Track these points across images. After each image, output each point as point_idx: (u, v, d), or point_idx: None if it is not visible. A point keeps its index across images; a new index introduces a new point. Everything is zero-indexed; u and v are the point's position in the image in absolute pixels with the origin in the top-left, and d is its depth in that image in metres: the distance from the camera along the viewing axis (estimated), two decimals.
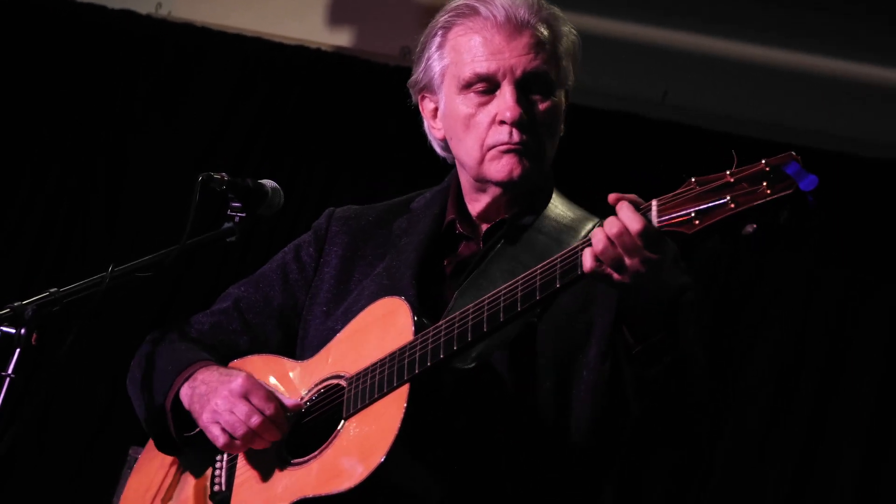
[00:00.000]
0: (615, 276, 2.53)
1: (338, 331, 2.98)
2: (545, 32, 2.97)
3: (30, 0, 6.42)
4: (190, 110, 6.40)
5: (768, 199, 2.38)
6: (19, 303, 2.85)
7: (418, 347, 2.75)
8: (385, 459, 2.67)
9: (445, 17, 3.03)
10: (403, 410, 2.71)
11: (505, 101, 2.92)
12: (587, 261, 2.54)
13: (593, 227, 2.96)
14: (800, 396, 5.85)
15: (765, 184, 2.39)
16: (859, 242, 5.91)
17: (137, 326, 5.47)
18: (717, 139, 5.88)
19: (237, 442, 2.90)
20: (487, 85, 2.95)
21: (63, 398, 6.04)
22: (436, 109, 3.07)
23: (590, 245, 2.55)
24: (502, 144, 2.93)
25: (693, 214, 2.44)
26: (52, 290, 2.90)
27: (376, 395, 2.79)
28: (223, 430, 2.90)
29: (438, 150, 3.11)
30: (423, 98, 3.09)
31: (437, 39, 3.03)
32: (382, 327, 2.87)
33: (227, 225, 3.14)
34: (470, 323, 2.71)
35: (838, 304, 5.91)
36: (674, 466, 5.75)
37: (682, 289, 2.72)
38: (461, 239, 3.05)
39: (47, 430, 6.09)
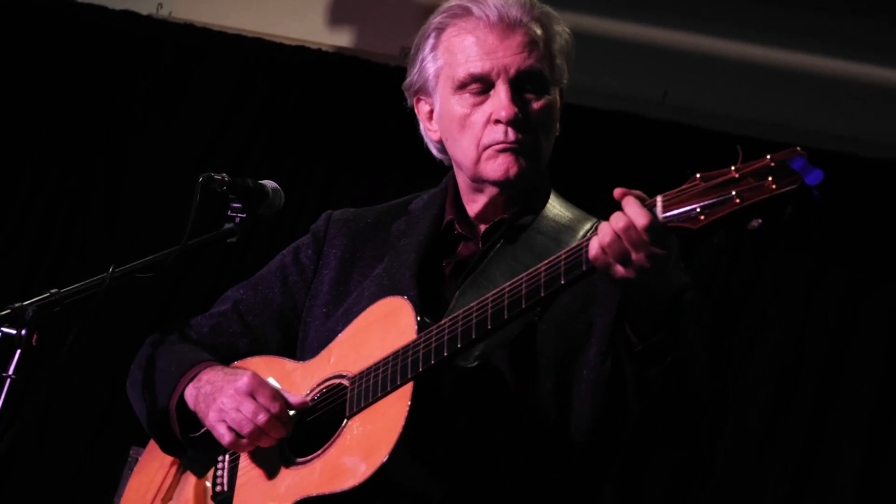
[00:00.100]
0: (620, 270, 2.53)
1: (339, 331, 2.98)
2: (538, 31, 2.97)
3: (30, 0, 6.42)
4: (190, 110, 6.40)
5: (774, 193, 2.38)
6: (20, 303, 2.86)
7: (422, 346, 2.76)
8: (388, 458, 2.67)
9: (438, 18, 3.03)
10: (407, 409, 2.71)
11: (500, 100, 2.93)
12: (593, 249, 2.54)
13: (592, 227, 2.97)
14: (800, 396, 5.86)
15: (770, 179, 2.38)
16: (859, 242, 5.91)
17: (138, 327, 5.48)
18: (718, 139, 5.88)
19: (243, 440, 2.90)
20: (482, 85, 2.95)
21: (63, 398, 6.04)
22: (431, 111, 3.07)
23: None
24: (498, 143, 2.94)
25: (698, 210, 2.44)
26: (52, 290, 2.91)
27: (379, 394, 2.79)
28: (229, 428, 2.90)
29: (435, 152, 3.11)
30: (419, 100, 3.09)
31: (431, 41, 3.03)
32: (384, 327, 2.87)
33: (227, 225, 3.14)
34: (474, 320, 2.71)
35: (838, 304, 5.91)
36: (674, 466, 5.75)
37: (683, 288, 2.72)
38: (460, 239, 3.06)
39: (47, 430, 6.09)
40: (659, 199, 2.50)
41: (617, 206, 2.54)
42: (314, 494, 2.78)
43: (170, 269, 3.06)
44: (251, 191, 3.14)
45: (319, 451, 2.84)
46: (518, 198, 3.01)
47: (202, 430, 3.01)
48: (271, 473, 2.92)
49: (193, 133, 6.38)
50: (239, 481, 2.99)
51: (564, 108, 3.06)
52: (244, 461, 3.00)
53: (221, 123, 6.40)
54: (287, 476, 2.88)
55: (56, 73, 6.39)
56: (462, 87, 2.97)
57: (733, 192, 2.41)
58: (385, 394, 2.78)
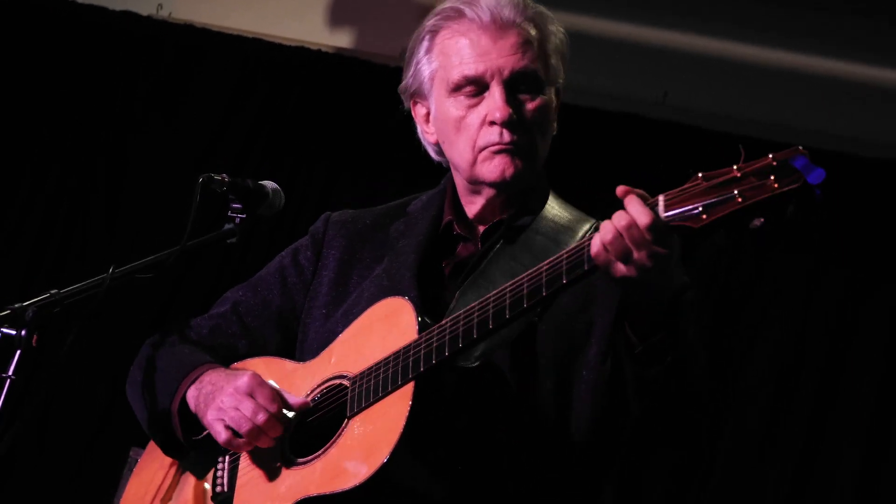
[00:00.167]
0: (621, 268, 2.53)
1: (339, 332, 2.98)
2: (532, 31, 2.97)
3: (31, 1, 6.42)
4: (190, 110, 6.40)
5: (776, 193, 2.38)
6: (20, 304, 2.86)
7: (423, 346, 2.76)
8: (389, 458, 2.67)
9: (432, 21, 3.03)
10: (408, 408, 2.71)
11: (494, 102, 2.93)
12: (595, 247, 2.54)
13: (590, 227, 2.97)
14: (800, 396, 5.85)
15: (772, 178, 2.38)
16: (859, 242, 5.91)
17: (138, 327, 5.48)
18: (718, 139, 5.88)
19: (242, 439, 2.90)
20: (476, 87, 2.95)
21: (63, 399, 6.04)
22: (428, 114, 3.07)
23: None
24: (494, 145, 2.94)
25: (700, 209, 2.44)
26: (52, 291, 2.91)
27: (380, 394, 2.79)
28: (227, 427, 2.90)
29: (433, 154, 3.11)
30: (415, 103, 3.09)
31: (425, 44, 3.03)
32: (385, 327, 2.87)
33: (227, 226, 3.14)
34: (475, 320, 2.71)
35: (838, 304, 5.91)
36: (674, 466, 5.75)
37: (683, 287, 2.72)
38: (459, 240, 3.06)
39: (47, 431, 6.09)
40: (661, 198, 2.50)
41: (618, 206, 2.54)
42: (315, 494, 2.78)
43: (170, 270, 3.06)
44: (251, 191, 3.14)
45: (320, 452, 2.84)
46: (516, 198, 3.01)
47: (204, 433, 3.01)
48: (272, 474, 2.92)
49: (193, 133, 6.38)
50: (239, 482, 2.99)
51: (563, 108, 3.06)
52: (244, 462, 3.00)
53: (221, 123, 6.40)
54: (288, 476, 2.88)
55: (56, 73, 6.39)
56: (457, 89, 2.97)
57: (735, 192, 2.41)
58: (386, 394, 2.78)
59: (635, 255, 2.51)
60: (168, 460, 3.16)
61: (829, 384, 5.85)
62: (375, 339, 2.87)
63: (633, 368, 2.65)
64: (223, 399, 2.91)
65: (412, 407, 2.71)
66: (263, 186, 3.16)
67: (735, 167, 2.44)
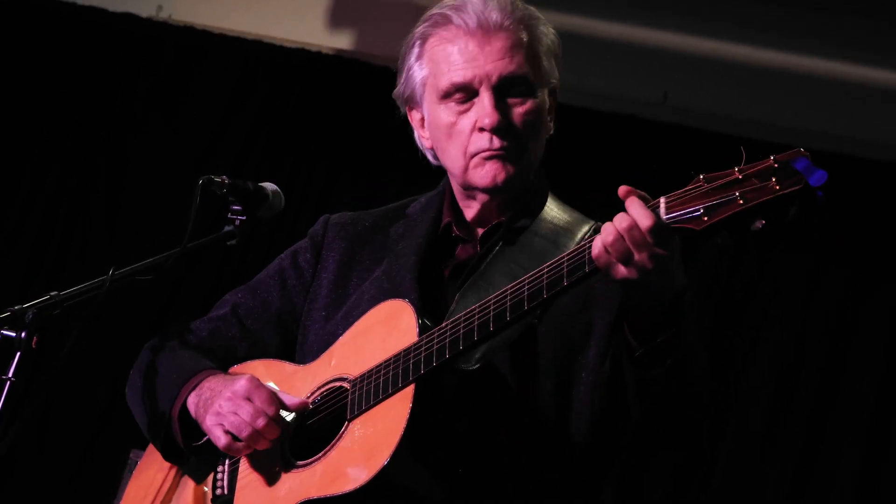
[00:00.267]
0: (622, 270, 2.53)
1: (339, 335, 2.98)
2: (520, 34, 2.96)
3: (31, 1, 6.42)
4: (190, 110, 6.40)
5: (777, 194, 2.38)
6: (20, 306, 2.86)
7: (423, 348, 2.76)
8: (390, 460, 2.67)
9: (421, 27, 3.03)
10: (409, 411, 2.71)
11: (483, 108, 2.92)
12: (596, 248, 2.54)
13: (590, 229, 2.97)
14: (800, 397, 5.85)
15: (774, 179, 2.38)
16: (859, 243, 5.91)
17: (138, 329, 5.49)
18: (718, 140, 5.88)
19: (241, 444, 2.90)
20: (465, 93, 2.95)
21: (63, 400, 6.03)
22: (423, 119, 3.07)
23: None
24: (484, 151, 2.93)
25: (702, 211, 2.44)
26: (52, 293, 2.91)
27: (381, 396, 2.78)
28: (226, 431, 2.90)
29: (431, 158, 3.11)
30: (410, 109, 3.10)
31: (416, 50, 3.03)
32: (386, 329, 2.87)
33: (227, 228, 3.14)
34: (476, 322, 2.71)
35: (839, 305, 5.91)
36: (675, 467, 5.75)
37: (684, 289, 2.72)
38: (458, 242, 3.06)
39: (48, 432, 6.09)
40: (662, 199, 2.50)
41: (619, 207, 2.54)
42: (315, 497, 2.78)
43: (170, 272, 3.06)
44: (251, 193, 3.13)
45: (320, 454, 2.84)
46: (515, 200, 3.01)
47: (204, 439, 3.00)
48: (272, 477, 2.91)
49: (193, 133, 6.38)
50: (239, 484, 2.98)
51: (563, 109, 3.06)
52: (244, 464, 2.99)
53: (221, 124, 6.40)
54: (288, 479, 2.87)
55: (56, 73, 6.39)
56: (446, 96, 2.97)
57: (737, 193, 2.41)
58: (386, 396, 2.77)
59: (636, 256, 2.51)
60: (168, 463, 3.16)
61: (830, 384, 5.86)
62: (375, 342, 2.87)
63: (633, 371, 2.65)
64: (221, 403, 2.91)
65: (412, 409, 2.71)
66: (263, 188, 3.16)
67: (736, 169, 2.44)
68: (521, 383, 2.85)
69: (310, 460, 2.86)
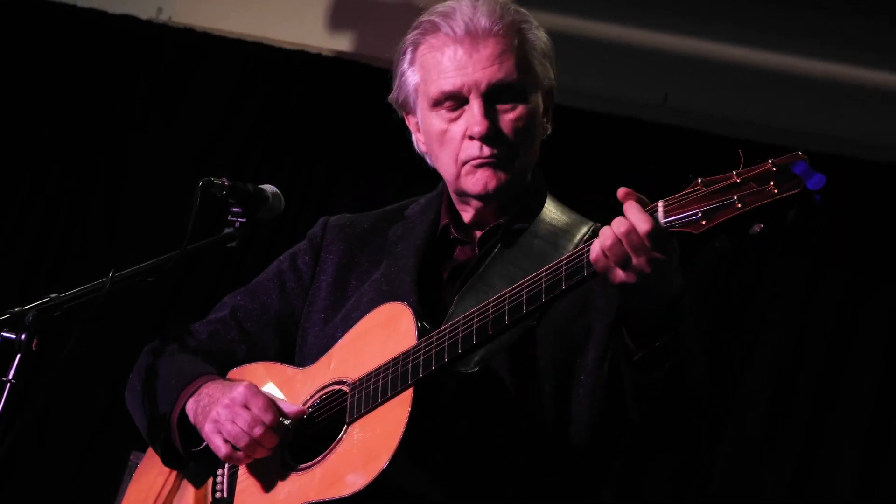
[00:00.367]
0: (620, 274, 2.53)
1: (338, 337, 2.98)
2: (510, 38, 2.95)
3: (32, 2, 6.43)
4: (190, 111, 6.40)
5: (776, 198, 2.38)
6: (20, 308, 2.86)
7: (422, 351, 2.76)
8: (389, 463, 2.67)
9: (413, 34, 3.03)
10: (407, 414, 2.71)
11: (473, 116, 2.92)
12: (594, 252, 2.54)
13: (588, 230, 2.97)
14: (799, 400, 5.85)
15: (772, 183, 2.39)
16: (858, 245, 5.91)
17: (137, 331, 5.49)
18: (718, 142, 5.88)
19: (240, 453, 2.89)
20: (455, 101, 2.95)
21: (63, 402, 6.03)
22: (418, 124, 3.07)
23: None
24: (475, 159, 2.94)
25: (700, 215, 2.44)
26: (52, 295, 2.90)
27: (380, 400, 2.78)
28: (225, 441, 2.90)
29: (429, 162, 3.11)
30: (406, 114, 3.10)
31: (408, 56, 3.04)
32: (385, 332, 2.87)
33: (227, 230, 3.13)
34: (475, 325, 2.71)
35: (838, 307, 5.91)
36: (673, 471, 5.75)
37: (682, 293, 2.72)
38: (456, 244, 3.06)
39: (48, 434, 6.09)
40: (660, 203, 2.51)
41: (618, 209, 2.54)
42: (314, 501, 2.78)
43: (169, 274, 3.06)
44: (251, 195, 3.14)
45: (319, 458, 2.84)
46: (512, 202, 3.01)
47: (203, 444, 3.00)
48: (271, 480, 2.91)
49: (193, 133, 6.37)
50: (238, 487, 2.98)
51: (562, 111, 3.05)
52: (244, 468, 2.99)
53: (221, 124, 6.39)
54: (287, 482, 2.88)
55: (56, 73, 6.39)
56: (437, 104, 2.97)
57: (735, 197, 2.41)
58: (385, 399, 2.77)
59: (634, 260, 2.51)
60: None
61: (829, 387, 5.85)
62: (375, 345, 2.87)
63: (631, 375, 2.65)
64: (219, 410, 2.90)
65: (412, 412, 2.71)
66: (263, 190, 3.16)
67: (735, 172, 2.44)
68: (520, 386, 2.85)
69: (309, 464, 2.86)
